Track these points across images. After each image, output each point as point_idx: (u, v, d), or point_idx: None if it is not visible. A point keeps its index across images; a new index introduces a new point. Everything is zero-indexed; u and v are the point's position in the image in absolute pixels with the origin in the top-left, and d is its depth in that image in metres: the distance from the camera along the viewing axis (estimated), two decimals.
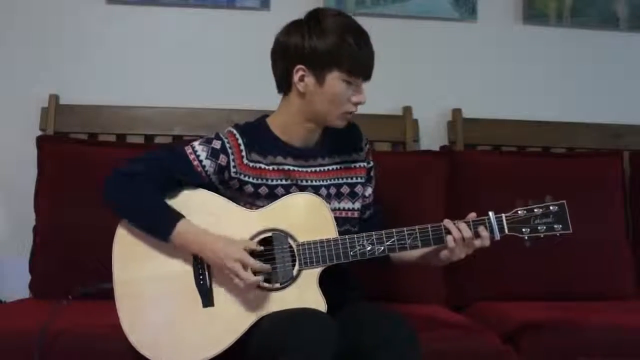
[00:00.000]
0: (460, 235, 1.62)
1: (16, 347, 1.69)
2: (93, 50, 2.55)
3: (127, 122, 2.49)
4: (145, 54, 2.58)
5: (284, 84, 1.69)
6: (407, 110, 2.62)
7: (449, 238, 1.62)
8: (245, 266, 1.56)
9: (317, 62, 1.61)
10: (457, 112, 2.64)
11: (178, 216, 1.61)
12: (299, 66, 1.63)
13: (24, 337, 1.69)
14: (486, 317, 2.10)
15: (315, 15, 1.65)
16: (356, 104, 1.65)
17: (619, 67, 2.77)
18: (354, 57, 1.60)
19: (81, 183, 2.22)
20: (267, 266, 1.59)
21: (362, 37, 1.63)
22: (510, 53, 2.74)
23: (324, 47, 1.60)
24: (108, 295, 1.69)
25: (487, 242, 1.64)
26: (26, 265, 2.26)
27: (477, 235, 1.63)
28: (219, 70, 2.60)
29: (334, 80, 1.62)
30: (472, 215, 1.66)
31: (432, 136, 2.66)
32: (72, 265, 2.12)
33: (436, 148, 2.60)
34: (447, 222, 1.64)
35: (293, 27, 1.66)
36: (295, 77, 1.64)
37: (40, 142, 2.33)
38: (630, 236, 2.52)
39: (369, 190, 1.82)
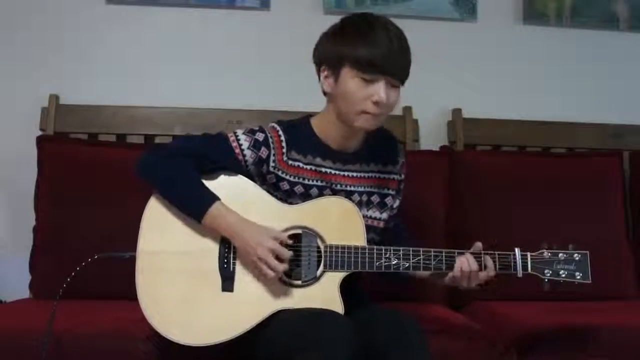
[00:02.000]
0: (476, 268, 1.62)
1: (16, 347, 1.69)
2: (93, 50, 2.55)
3: (127, 122, 2.49)
4: (145, 54, 2.58)
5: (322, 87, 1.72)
6: (407, 110, 2.62)
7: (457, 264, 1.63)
8: (275, 256, 1.57)
9: (330, 60, 1.64)
10: (457, 112, 2.64)
11: (213, 197, 1.61)
12: (322, 67, 1.67)
13: (24, 337, 1.69)
14: (486, 317, 2.09)
15: (343, 19, 1.68)
16: (375, 103, 1.61)
17: (619, 67, 2.77)
18: (362, 53, 1.58)
19: (81, 183, 2.23)
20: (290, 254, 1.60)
21: (378, 34, 1.59)
22: (510, 53, 2.74)
23: (335, 45, 1.63)
24: (108, 293, 1.69)
25: (491, 273, 1.64)
26: (26, 265, 2.26)
27: (484, 266, 1.64)
28: (219, 70, 2.60)
29: (347, 77, 1.62)
30: (479, 246, 1.66)
31: (432, 136, 2.66)
32: (72, 265, 2.11)
33: (436, 148, 2.60)
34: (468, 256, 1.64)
35: (323, 34, 1.70)
36: (322, 78, 1.68)
37: (40, 142, 2.33)
38: (631, 236, 2.52)
39: (397, 203, 1.84)
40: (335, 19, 1.70)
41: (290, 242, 1.61)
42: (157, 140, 2.49)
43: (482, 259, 1.64)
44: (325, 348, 1.43)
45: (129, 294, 1.63)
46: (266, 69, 2.61)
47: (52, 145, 2.34)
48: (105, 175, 2.23)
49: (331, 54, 1.64)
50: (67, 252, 2.16)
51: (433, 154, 2.52)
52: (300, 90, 2.43)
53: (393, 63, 1.60)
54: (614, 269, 2.37)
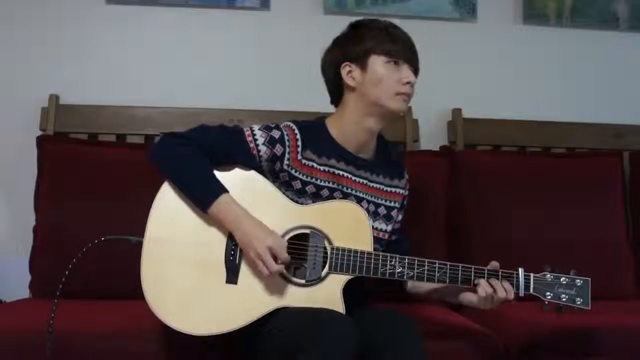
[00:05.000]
0: (491, 291, 1.65)
1: (16, 346, 1.69)
2: (93, 51, 2.55)
3: (127, 122, 2.49)
4: (145, 54, 2.58)
5: (337, 90, 1.76)
6: (407, 110, 2.61)
7: (479, 290, 1.65)
8: (274, 256, 1.57)
9: (356, 54, 1.71)
10: (457, 112, 2.64)
11: (222, 189, 1.62)
12: (344, 64, 1.73)
13: (24, 336, 1.69)
14: (485, 317, 2.09)
15: (349, 25, 1.78)
16: (405, 83, 1.70)
17: (619, 67, 2.77)
18: (384, 39, 1.70)
19: (81, 183, 2.22)
20: (290, 260, 1.60)
21: (389, 24, 1.75)
22: (510, 53, 2.74)
23: (358, 39, 1.72)
24: (109, 292, 1.68)
25: (511, 296, 1.66)
26: (26, 265, 2.26)
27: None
28: (219, 70, 2.60)
29: (375, 64, 1.70)
30: (495, 265, 1.68)
31: (432, 136, 2.66)
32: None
33: (436, 148, 2.60)
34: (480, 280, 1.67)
35: (333, 41, 1.78)
36: (344, 74, 1.72)
37: (40, 142, 2.33)
38: (631, 236, 2.52)
39: (400, 217, 1.87)
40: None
41: (287, 256, 1.60)
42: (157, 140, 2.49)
43: (500, 281, 1.66)
44: (325, 346, 1.43)
45: (129, 293, 1.63)
46: (266, 69, 2.61)
47: (52, 145, 2.34)
48: (105, 175, 2.23)
49: (355, 49, 1.71)
50: (67, 252, 2.15)
51: (433, 154, 2.52)
52: (301, 90, 2.44)
53: (412, 51, 1.74)
54: (614, 269, 2.37)
